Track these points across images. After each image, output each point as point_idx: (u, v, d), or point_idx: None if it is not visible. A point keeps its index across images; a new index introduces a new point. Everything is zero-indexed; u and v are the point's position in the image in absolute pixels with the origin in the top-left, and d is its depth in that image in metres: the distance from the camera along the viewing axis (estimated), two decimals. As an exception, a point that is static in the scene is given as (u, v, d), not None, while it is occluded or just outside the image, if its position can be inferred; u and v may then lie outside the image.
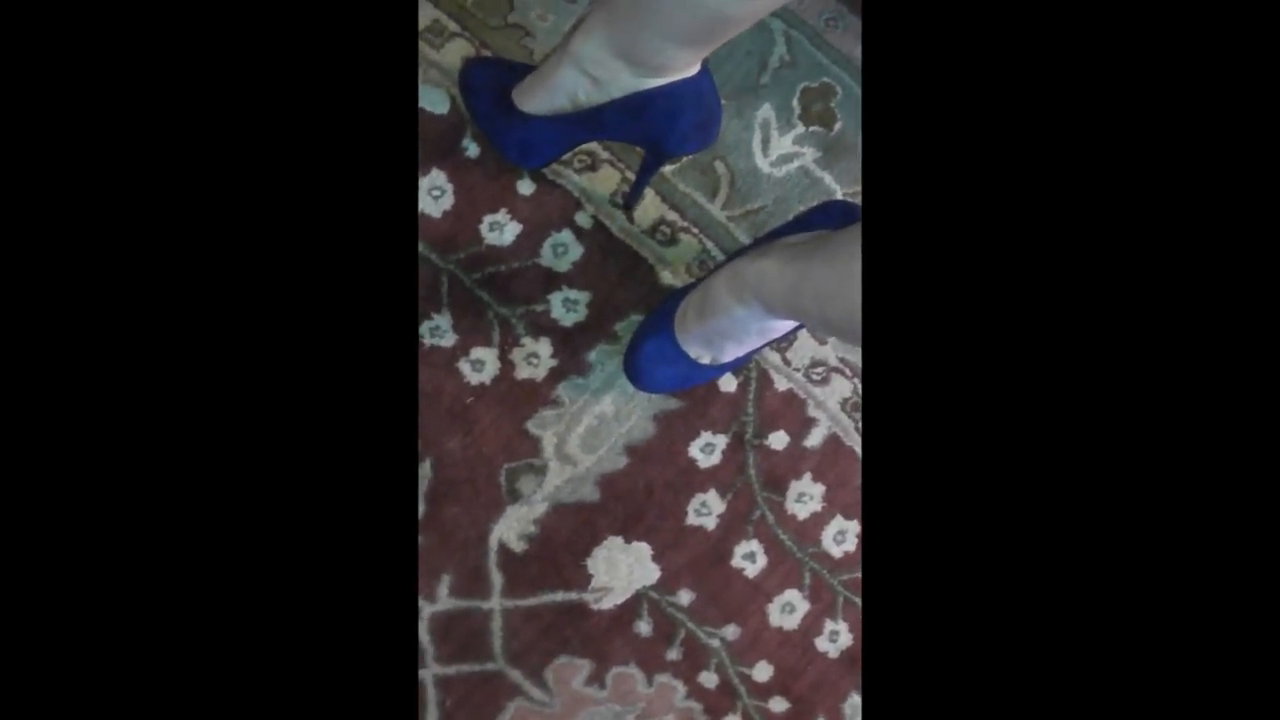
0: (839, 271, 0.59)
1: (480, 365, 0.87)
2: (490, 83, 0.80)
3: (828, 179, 0.90)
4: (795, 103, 0.90)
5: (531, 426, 0.88)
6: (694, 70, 0.68)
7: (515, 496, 0.88)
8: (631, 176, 0.86)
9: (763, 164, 0.89)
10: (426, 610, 0.88)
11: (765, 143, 0.89)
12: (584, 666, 0.90)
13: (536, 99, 0.75)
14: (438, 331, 0.86)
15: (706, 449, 0.90)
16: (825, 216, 0.82)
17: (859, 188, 0.90)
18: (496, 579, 0.89)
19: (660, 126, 0.71)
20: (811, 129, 0.90)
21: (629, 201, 0.86)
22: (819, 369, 0.91)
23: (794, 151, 0.90)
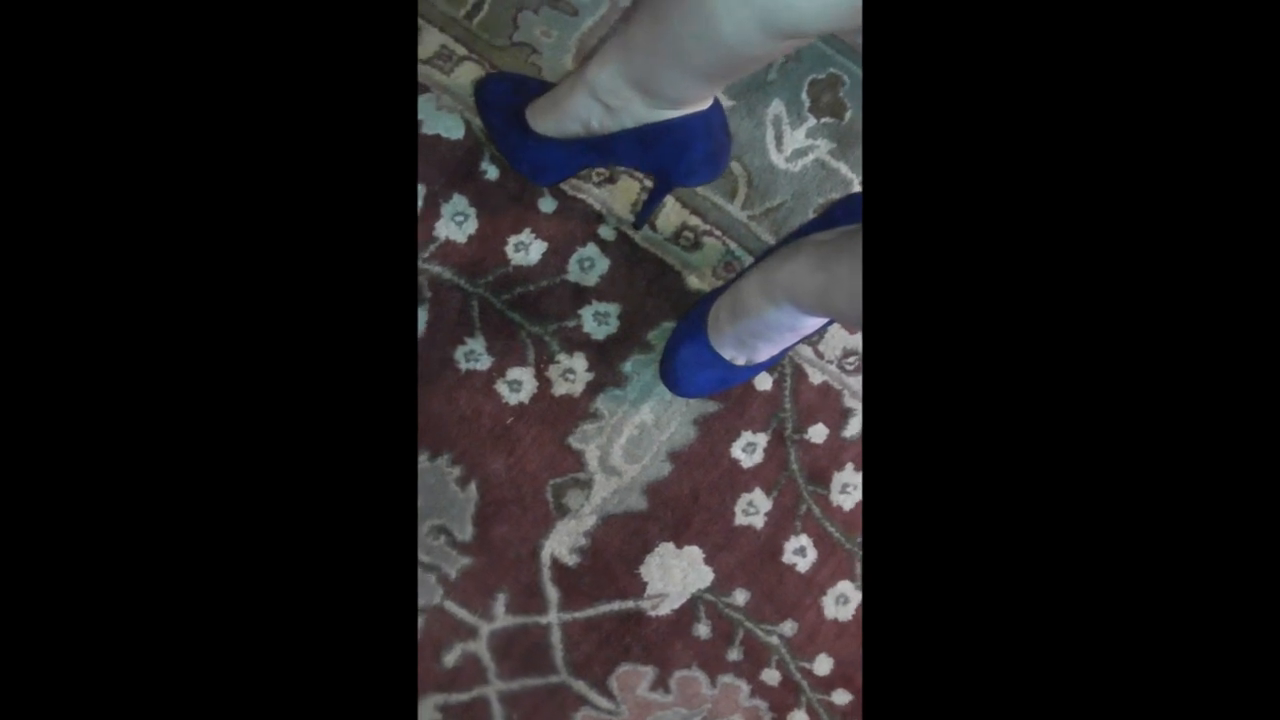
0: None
1: (518, 385, 0.87)
2: (504, 98, 0.81)
3: (844, 169, 0.90)
4: (804, 96, 0.90)
5: (573, 441, 0.88)
6: (707, 103, 0.68)
7: (563, 511, 0.89)
8: (650, 186, 0.87)
9: (778, 160, 0.89)
10: (485, 629, 0.90)
11: (779, 139, 0.90)
12: (647, 673, 0.91)
13: (549, 121, 0.75)
14: (472, 356, 0.87)
15: (748, 448, 0.90)
16: (849, 210, 0.82)
17: (877, 175, 0.90)
18: (552, 593, 0.90)
19: (670, 157, 0.71)
20: (823, 120, 0.90)
21: (638, 224, 0.87)
22: (851, 358, 0.91)
23: (808, 145, 0.90)
